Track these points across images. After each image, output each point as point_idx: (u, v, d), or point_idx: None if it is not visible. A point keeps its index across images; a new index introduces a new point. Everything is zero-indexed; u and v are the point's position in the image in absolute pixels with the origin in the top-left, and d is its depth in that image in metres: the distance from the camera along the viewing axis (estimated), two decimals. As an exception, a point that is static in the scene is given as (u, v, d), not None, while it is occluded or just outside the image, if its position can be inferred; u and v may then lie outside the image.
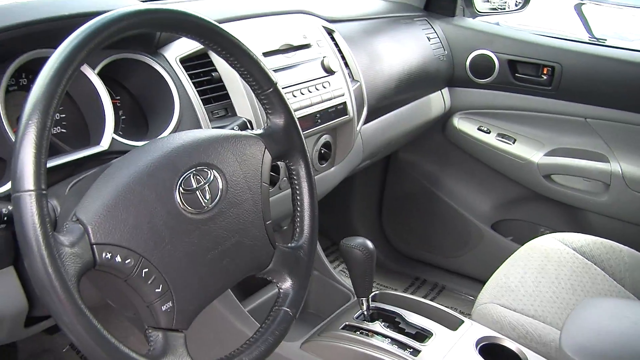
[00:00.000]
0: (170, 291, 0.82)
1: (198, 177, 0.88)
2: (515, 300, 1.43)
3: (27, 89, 1.04)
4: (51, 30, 0.96)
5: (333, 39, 1.59)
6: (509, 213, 2.22)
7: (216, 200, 0.89)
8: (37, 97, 0.72)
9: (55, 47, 0.77)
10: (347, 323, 1.33)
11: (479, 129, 2.10)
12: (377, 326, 1.31)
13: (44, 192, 0.70)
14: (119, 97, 1.13)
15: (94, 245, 0.76)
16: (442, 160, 2.27)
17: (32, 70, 1.01)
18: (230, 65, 0.98)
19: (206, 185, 0.88)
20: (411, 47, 1.92)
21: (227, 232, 0.90)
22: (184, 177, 0.86)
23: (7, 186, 0.91)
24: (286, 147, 1.03)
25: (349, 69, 1.59)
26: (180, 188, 0.85)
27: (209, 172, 0.89)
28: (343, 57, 1.59)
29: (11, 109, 0.99)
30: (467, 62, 2.07)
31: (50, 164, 0.93)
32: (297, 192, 1.06)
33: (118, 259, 0.78)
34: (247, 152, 0.96)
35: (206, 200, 0.88)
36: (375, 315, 1.35)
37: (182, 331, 0.84)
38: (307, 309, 1.65)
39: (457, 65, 2.09)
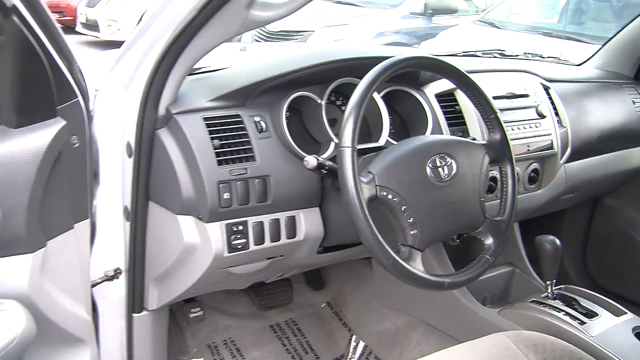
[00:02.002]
0: (417, 223, 1.38)
1: (441, 160, 1.44)
2: None
3: (334, 103, 1.68)
4: (355, 66, 1.58)
5: (548, 93, 2.08)
6: None
7: (450, 176, 1.45)
8: (352, 104, 1.33)
9: (357, 77, 1.39)
10: (534, 299, 1.80)
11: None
12: (557, 302, 1.76)
13: (355, 149, 1.31)
14: (391, 117, 1.73)
15: (377, 186, 1.35)
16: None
17: (339, 91, 1.65)
18: (468, 97, 1.56)
19: (445, 166, 1.44)
20: (616, 107, 2.31)
21: (454, 198, 1.45)
22: (433, 158, 1.43)
23: (327, 154, 1.54)
24: (499, 155, 1.56)
25: (559, 117, 2.07)
26: (430, 164, 1.43)
27: (448, 158, 1.46)
28: (554, 108, 2.07)
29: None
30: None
31: None
32: (505, 185, 1.59)
33: (390, 197, 1.36)
34: (473, 152, 1.51)
35: (444, 175, 1.44)
36: (558, 296, 1.80)
37: (420, 250, 1.39)
38: (507, 297, 2.13)
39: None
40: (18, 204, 1.21)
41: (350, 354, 2.18)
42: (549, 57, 2.52)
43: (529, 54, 2.43)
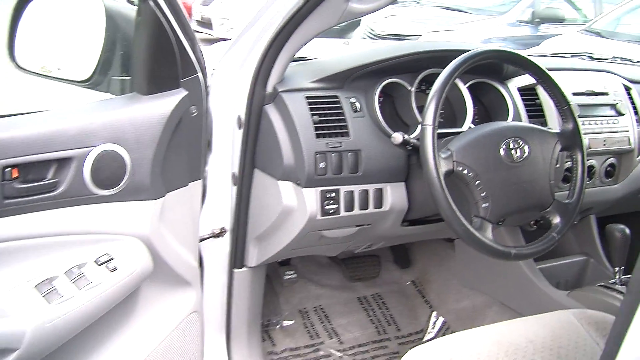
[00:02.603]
0: (488, 197, 1.52)
1: (514, 143, 1.58)
2: None
3: (423, 92, 1.84)
4: (443, 57, 1.73)
5: (629, 93, 2.16)
6: None
7: (522, 158, 1.58)
8: (435, 88, 1.50)
9: (442, 68, 1.54)
10: (602, 284, 1.90)
11: None
12: (623, 288, 1.85)
13: (436, 127, 1.46)
14: (476, 107, 1.87)
15: (454, 162, 1.50)
16: None
17: (428, 80, 1.81)
18: (544, 89, 1.69)
19: (518, 148, 1.58)
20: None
21: (524, 178, 1.58)
22: (507, 141, 1.57)
23: (414, 135, 1.69)
24: (570, 143, 1.68)
25: (638, 116, 2.14)
26: (504, 146, 1.57)
27: (521, 142, 1.59)
28: (634, 107, 2.15)
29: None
30: None
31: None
32: (574, 171, 1.70)
33: (465, 172, 1.51)
34: (546, 139, 1.64)
35: (517, 156, 1.57)
36: (625, 282, 1.89)
37: (491, 222, 1.53)
38: (580, 284, 2.22)
39: None
40: (144, 157, 1.43)
41: (429, 328, 2.34)
42: (638, 61, 2.56)
43: (617, 57, 2.50)
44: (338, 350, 2.24)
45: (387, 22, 7.63)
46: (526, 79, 1.94)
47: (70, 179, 1.34)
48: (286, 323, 2.27)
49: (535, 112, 1.94)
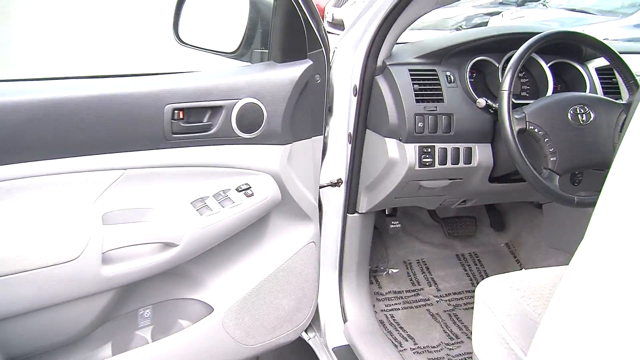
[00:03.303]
0: (556, 152, 1.81)
1: (581, 109, 1.86)
2: None
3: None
4: (522, 38, 1.99)
5: None
6: None
7: (587, 122, 1.86)
8: (512, 61, 1.81)
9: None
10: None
11: None
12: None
13: (511, 93, 1.78)
14: (558, 85, 2.14)
15: (527, 122, 1.80)
16: None
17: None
18: (612, 65, 1.96)
19: (584, 114, 1.86)
20: None
21: (588, 138, 1.86)
22: (574, 107, 1.85)
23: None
24: None
25: None
26: (571, 111, 1.85)
27: (587, 108, 1.87)
28: None
29: None
30: None
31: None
32: None
33: (536, 130, 1.81)
34: (612, 108, 1.91)
35: (582, 120, 1.85)
36: None
37: (558, 174, 1.82)
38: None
39: None
40: (277, 110, 1.82)
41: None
42: None
43: None
44: (435, 296, 2.57)
45: (515, 23, 7.86)
46: (605, 61, 2.19)
47: (220, 123, 1.75)
48: (392, 271, 2.63)
49: (612, 89, 2.18)
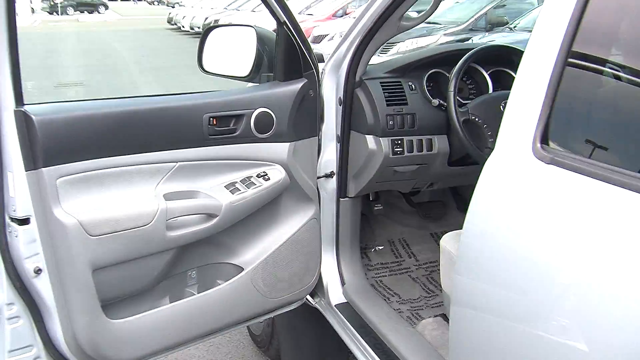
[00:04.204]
0: (493, 135, 2.43)
1: None
2: None
3: (461, 79, 2.77)
4: (463, 54, 2.64)
5: None
6: None
7: None
8: (455, 70, 2.47)
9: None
10: None
11: None
12: None
13: (455, 92, 2.42)
14: (498, 89, 2.77)
15: (470, 113, 2.44)
16: None
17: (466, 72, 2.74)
18: None
19: None
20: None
21: None
22: (504, 101, 2.48)
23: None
24: None
25: None
26: (502, 103, 2.48)
27: None
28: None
29: None
30: None
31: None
32: None
33: (477, 119, 2.45)
34: None
35: None
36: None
37: None
38: None
39: None
40: (283, 116, 2.43)
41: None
42: None
43: None
44: (415, 265, 3.19)
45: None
46: None
47: (242, 127, 2.35)
48: (378, 248, 3.24)
49: None
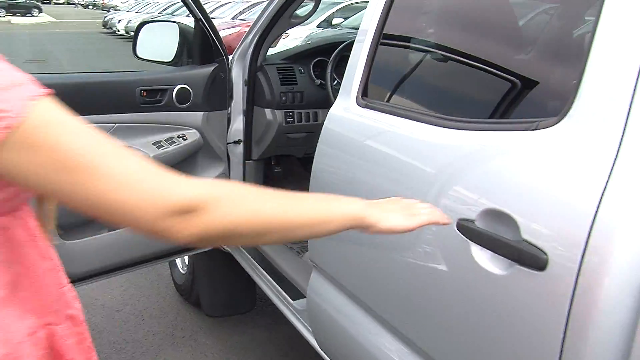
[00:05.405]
0: None
1: None
2: None
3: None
4: (340, 44, 3.40)
5: None
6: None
7: None
8: (331, 58, 3.24)
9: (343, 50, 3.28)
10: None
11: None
12: None
13: (332, 74, 3.19)
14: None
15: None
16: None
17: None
18: None
19: None
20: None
21: None
22: None
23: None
24: None
25: None
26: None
27: None
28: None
29: None
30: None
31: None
32: None
33: None
34: None
35: None
36: None
37: None
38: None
39: None
40: (199, 92, 3.13)
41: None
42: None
43: None
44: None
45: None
46: None
47: (166, 98, 3.02)
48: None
49: None
